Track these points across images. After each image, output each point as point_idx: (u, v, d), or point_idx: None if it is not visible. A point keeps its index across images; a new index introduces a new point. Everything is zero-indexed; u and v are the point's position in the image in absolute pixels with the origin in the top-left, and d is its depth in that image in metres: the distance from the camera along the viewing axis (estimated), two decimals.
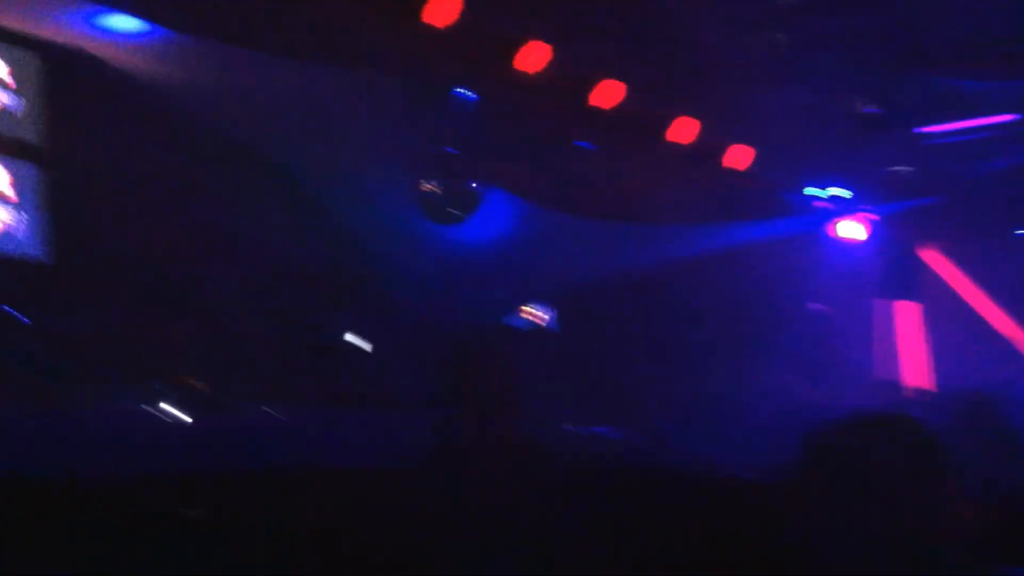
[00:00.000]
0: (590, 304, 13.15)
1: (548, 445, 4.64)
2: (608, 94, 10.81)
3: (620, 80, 10.81)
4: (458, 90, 10.15)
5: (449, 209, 10.90)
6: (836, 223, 14.94)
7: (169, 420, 8.10)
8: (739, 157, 12.54)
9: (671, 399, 11.87)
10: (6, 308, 8.95)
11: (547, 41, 10.10)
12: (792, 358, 13.10)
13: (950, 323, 14.97)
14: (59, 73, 10.32)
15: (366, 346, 10.25)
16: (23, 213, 10.19)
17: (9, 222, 10.11)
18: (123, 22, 9.40)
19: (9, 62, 10.15)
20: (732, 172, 12.56)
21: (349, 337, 10.02)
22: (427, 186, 10.78)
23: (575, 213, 11.42)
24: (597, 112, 10.82)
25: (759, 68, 10.39)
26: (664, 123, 11.66)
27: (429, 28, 9.24)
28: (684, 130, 11.74)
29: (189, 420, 8.19)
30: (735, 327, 13.18)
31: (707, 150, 12.17)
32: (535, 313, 13.39)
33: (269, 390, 9.06)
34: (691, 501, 4.42)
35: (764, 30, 10.00)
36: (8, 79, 10.17)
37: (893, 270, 15.65)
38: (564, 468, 4.49)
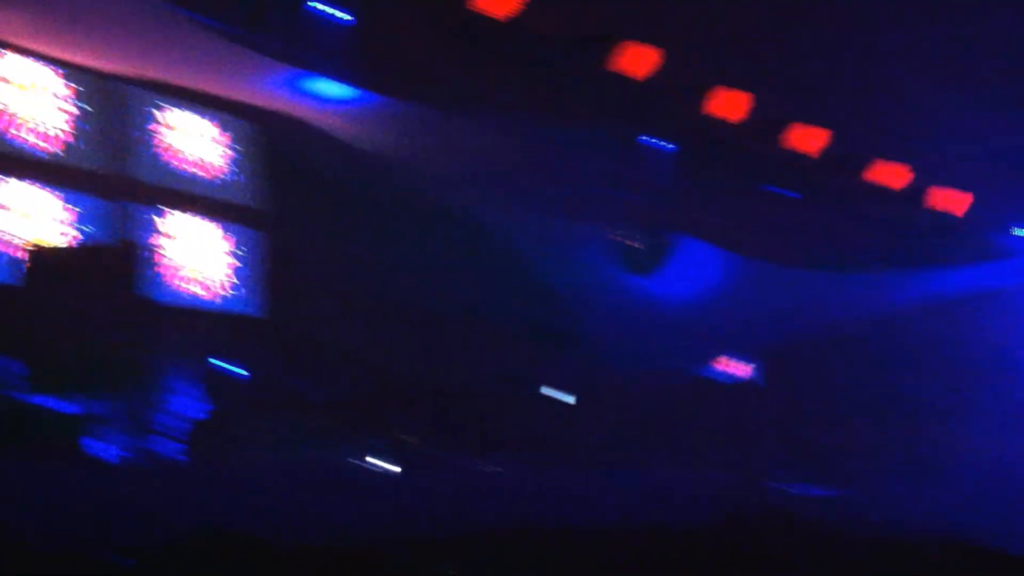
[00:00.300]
0: (792, 355, 12.87)
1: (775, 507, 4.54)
2: (808, 139, 10.65)
3: (819, 125, 10.66)
4: (654, 139, 10.17)
5: (647, 260, 10.87)
6: None
7: (393, 475, 8.25)
8: (950, 200, 12.13)
9: (884, 456, 11.51)
10: (227, 363, 9.33)
11: (743, 89, 10.05)
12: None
13: None
14: (273, 139, 10.82)
15: (570, 399, 10.25)
16: (242, 274, 10.67)
17: (230, 282, 10.59)
18: (333, 88, 9.78)
19: (225, 129, 10.70)
20: (940, 215, 12.15)
21: (551, 391, 10.06)
22: (624, 237, 10.79)
23: (776, 261, 11.22)
24: (796, 157, 10.68)
25: (965, 111, 10.11)
26: (865, 166, 11.40)
27: (626, 79, 9.30)
28: (888, 173, 11.44)
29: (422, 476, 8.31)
30: (956, 379, 12.65)
31: (912, 194, 11.82)
32: (736, 365, 13.21)
33: (484, 444, 9.17)
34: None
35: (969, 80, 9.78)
36: (225, 146, 10.70)
37: None
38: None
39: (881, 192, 11.38)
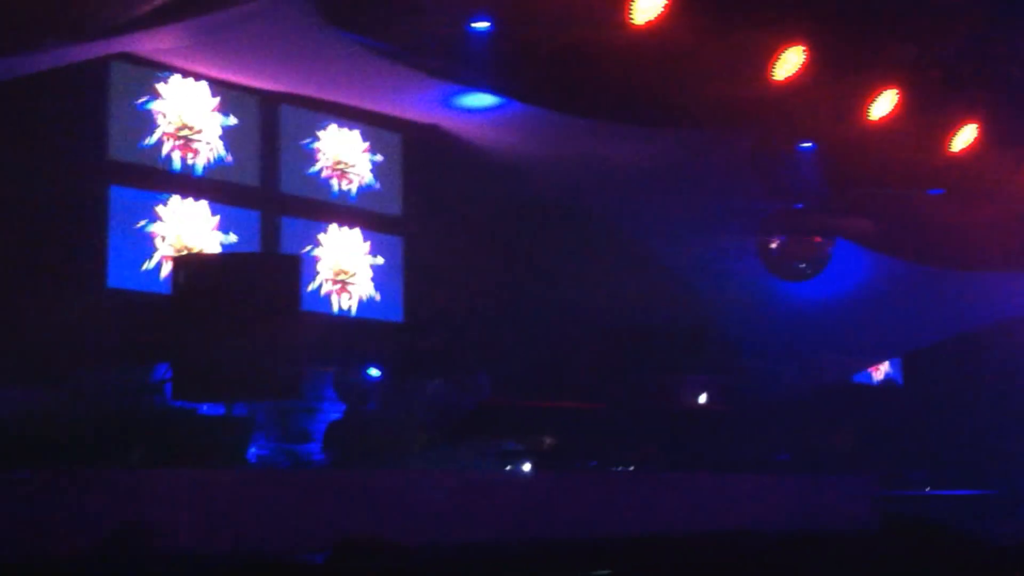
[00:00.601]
0: (945, 359, 12.57)
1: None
2: (963, 139, 10.37)
3: (975, 123, 10.36)
4: (806, 144, 10.01)
5: (798, 267, 10.69)
6: None
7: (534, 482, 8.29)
8: None
9: None
10: (374, 368, 9.47)
11: (896, 88, 9.83)
12: None
13: None
14: (417, 149, 10.97)
15: (717, 406, 10.16)
16: (387, 282, 10.84)
17: (374, 290, 10.78)
18: (474, 99, 9.87)
19: (372, 142, 10.88)
20: None
21: (701, 399, 9.98)
22: (775, 243, 10.63)
23: (929, 264, 10.95)
24: (952, 159, 10.40)
25: None
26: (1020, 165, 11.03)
27: (776, 83, 9.18)
28: None
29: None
30: None
31: None
32: (885, 367, 12.96)
33: (626, 450, 9.14)
34: None
35: None
36: (371, 158, 10.89)
37: None
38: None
39: None
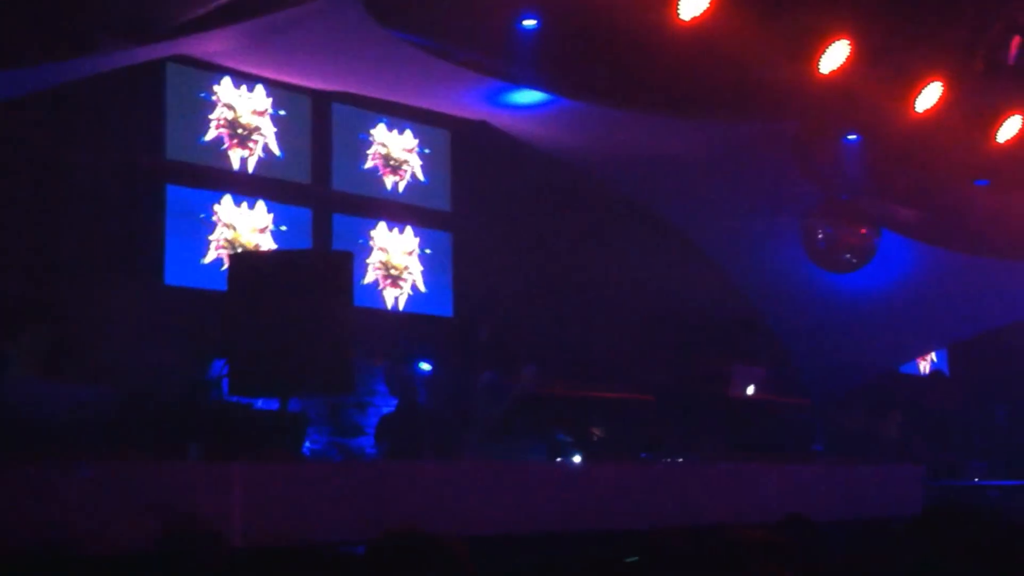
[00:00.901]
0: (989, 348, 12.52)
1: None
2: (1008, 129, 10.34)
3: (1020, 114, 10.32)
4: (851, 135, 10.02)
5: (844, 258, 10.68)
6: None
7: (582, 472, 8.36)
8: None
9: None
10: (424, 363, 9.59)
11: (941, 80, 9.82)
12: None
13: None
14: (466, 146, 11.10)
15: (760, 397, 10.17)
16: (436, 277, 10.98)
17: (424, 285, 10.92)
18: (522, 96, 9.96)
19: (421, 138, 11.03)
20: None
21: (749, 390, 10.01)
22: (821, 234, 10.63)
23: (976, 255, 10.91)
24: (997, 149, 10.36)
25: None
26: None
27: (820, 76, 9.22)
28: None
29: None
30: None
31: None
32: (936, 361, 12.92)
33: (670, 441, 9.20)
34: None
35: None
36: (420, 154, 11.03)
37: None
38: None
39: None
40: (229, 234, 9.72)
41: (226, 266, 8.96)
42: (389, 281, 10.73)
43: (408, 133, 10.96)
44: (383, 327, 10.23)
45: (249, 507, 6.12)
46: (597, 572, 4.26)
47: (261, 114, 10.01)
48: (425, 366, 9.60)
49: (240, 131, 9.88)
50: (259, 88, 10.00)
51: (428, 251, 11.01)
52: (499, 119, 10.67)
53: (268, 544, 5.87)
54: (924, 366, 14.09)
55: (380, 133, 10.78)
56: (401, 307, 10.78)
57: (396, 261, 10.79)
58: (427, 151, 11.08)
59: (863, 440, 10.35)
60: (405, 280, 10.84)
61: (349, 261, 7.95)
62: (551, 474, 8.02)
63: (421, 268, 10.96)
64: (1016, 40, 9.46)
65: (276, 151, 10.08)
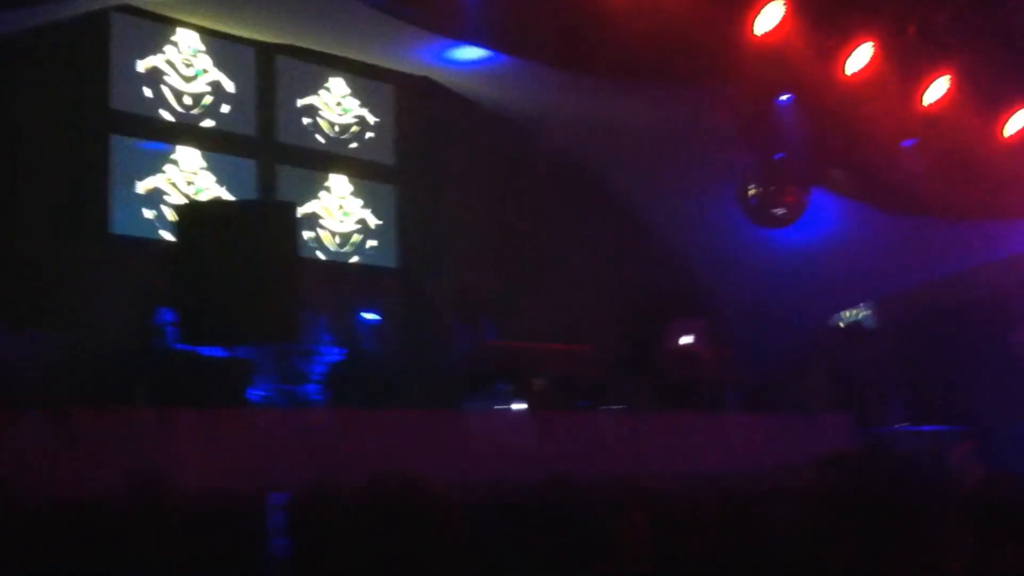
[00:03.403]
0: (914, 306, 12.83)
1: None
2: (934, 92, 10.63)
3: (950, 75, 10.59)
4: (783, 97, 10.23)
5: (777, 214, 10.91)
6: None
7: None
8: None
9: (1006, 398, 11.48)
10: (369, 312, 9.72)
11: (873, 41, 10.07)
12: None
13: None
14: (409, 101, 11.22)
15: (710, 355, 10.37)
16: (381, 230, 11.13)
17: (369, 237, 11.07)
18: (464, 52, 10.09)
19: (366, 93, 11.13)
20: None
21: (686, 340, 10.23)
22: (755, 192, 10.85)
23: (903, 213, 11.18)
24: (924, 111, 10.64)
25: None
26: (996, 118, 11.24)
27: (754, 38, 9.42)
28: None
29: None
30: None
31: None
32: (862, 315, 13.23)
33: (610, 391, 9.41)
34: None
35: None
36: (364, 108, 11.14)
37: None
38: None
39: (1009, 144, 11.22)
40: (174, 185, 9.81)
41: (172, 216, 9.05)
42: (332, 233, 10.86)
43: (352, 86, 11.07)
44: (327, 277, 10.36)
45: (195, 453, 6.22)
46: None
47: (206, 66, 10.09)
48: (371, 316, 9.71)
49: (185, 82, 9.96)
50: (204, 40, 10.07)
51: (372, 204, 11.14)
52: (442, 75, 10.80)
53: (214, 489, 5.95)
54: (849, 319, 14.32)
55: (324, 86, 10.88)
56: (347, 258, 10.92)
57: (339, 213, 10.92)
58: (371, 105, 11.20)
59: (790, 391, 10.63)
60: (348, 232, 10.97)
61: (293, 211, 8.06)
62: (494, 423, 8.17)
63: (365, 220, 11.09)
64: None
65: (221, 103, 10.16)
